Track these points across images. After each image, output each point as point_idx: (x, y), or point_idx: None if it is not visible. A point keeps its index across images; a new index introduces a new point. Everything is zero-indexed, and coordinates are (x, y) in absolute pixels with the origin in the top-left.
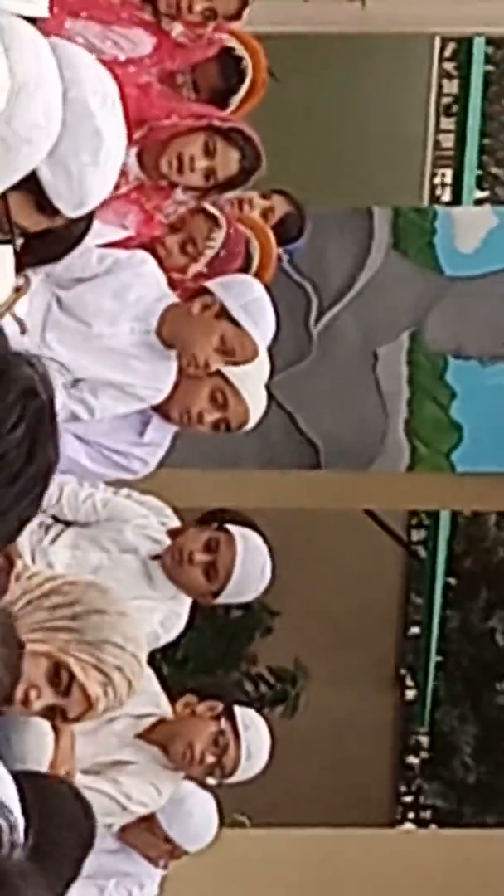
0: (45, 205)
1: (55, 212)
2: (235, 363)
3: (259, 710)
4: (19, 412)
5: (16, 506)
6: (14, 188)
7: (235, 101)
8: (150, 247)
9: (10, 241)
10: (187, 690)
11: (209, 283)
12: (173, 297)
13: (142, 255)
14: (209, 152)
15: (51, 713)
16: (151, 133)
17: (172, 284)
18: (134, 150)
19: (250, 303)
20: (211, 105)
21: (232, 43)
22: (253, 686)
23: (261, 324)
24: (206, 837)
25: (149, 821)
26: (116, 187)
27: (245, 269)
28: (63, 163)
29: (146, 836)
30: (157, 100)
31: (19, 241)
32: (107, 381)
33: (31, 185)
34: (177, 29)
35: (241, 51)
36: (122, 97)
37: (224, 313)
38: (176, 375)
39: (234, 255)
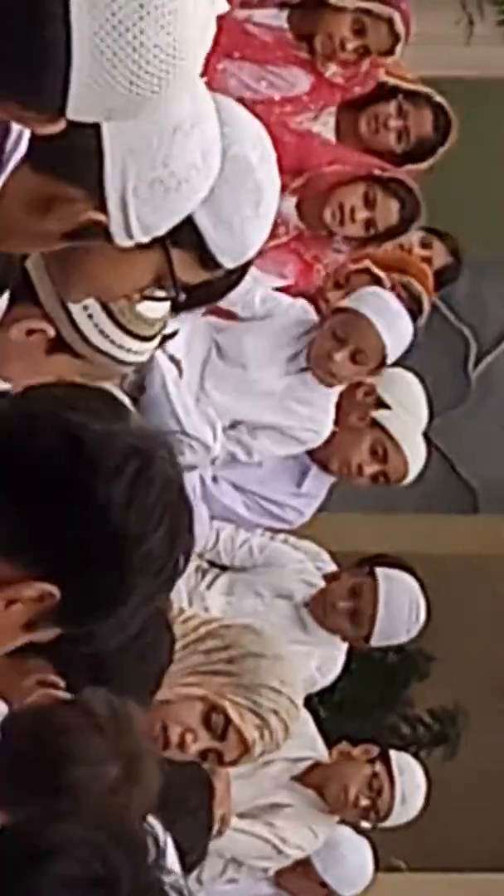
0: (207, 260)
1: (217, 265)
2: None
3: (417, 752)
4: (161, 509)
5: (160, 592)
6: (176, 245)
7: (440, 153)
8: (313, 299)
9: (175, 298)
10: (342, 738)
11: None
12: None
13: (303, 304)
14: (369, 203)
15: (207, 756)
16: (311, 182)
17: None
18: (293, 200)
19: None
20: (411, 154)
21: (439, 98)
22: (410, 729)
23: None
24: (362, 882)
25: (304, 865)
26: (275, 236)
27: (413, 314)
28: (226, 218)
29: (301, 880)
30: (319, 148)
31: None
32: (266, 424)
33: (193, 241)
34: (330, 69)
35: (447, 107)
36: (279, 142)
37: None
38: (335, 426)
39: None
